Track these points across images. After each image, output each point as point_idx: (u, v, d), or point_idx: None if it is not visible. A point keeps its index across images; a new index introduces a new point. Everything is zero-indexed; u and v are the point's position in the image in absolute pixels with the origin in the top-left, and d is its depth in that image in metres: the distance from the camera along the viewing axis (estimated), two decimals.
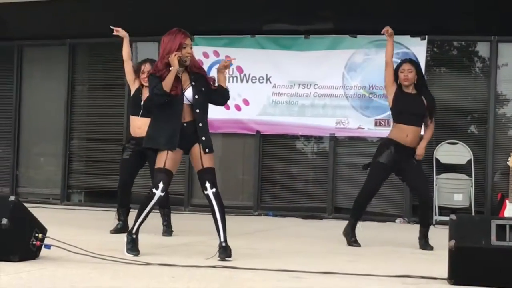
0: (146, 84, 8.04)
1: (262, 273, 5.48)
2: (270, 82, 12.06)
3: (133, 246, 6.34)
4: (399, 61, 11.45)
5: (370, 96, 11.65)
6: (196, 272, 5.40)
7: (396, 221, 11.37)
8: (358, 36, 11.78)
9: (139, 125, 8.30)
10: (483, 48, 11.72)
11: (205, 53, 12.32)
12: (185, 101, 6.39)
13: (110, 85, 13.05)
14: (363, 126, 11.64)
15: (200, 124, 6.41)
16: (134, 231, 6.39)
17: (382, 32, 8.04)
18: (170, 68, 6.30)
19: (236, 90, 12.16)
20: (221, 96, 6.64)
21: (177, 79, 6.36)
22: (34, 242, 5.67)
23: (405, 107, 7.81)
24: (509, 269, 4.92)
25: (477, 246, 4.99)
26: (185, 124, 6.37)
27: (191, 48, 6.47)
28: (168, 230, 8.35)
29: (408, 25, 11.50)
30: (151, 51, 13.00)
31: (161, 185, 6.33)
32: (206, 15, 12.35)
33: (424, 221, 7.88)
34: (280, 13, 12.13)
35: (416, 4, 11.37)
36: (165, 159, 6.34)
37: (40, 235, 5.71)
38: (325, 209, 11.89)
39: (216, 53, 12.29)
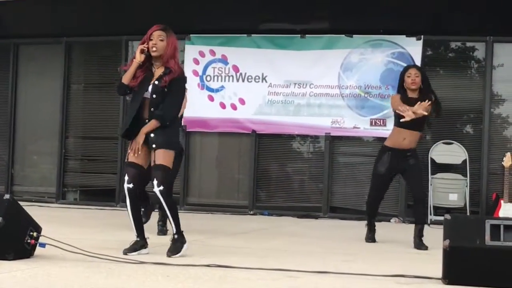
0: None
1: (257, 272, 5.48)
2: (266, 82, 12.06)
3: (130, 246, 6.33)
4: (394, 61, 11.59)
5: (366, 95, 11.66)
6: (191, 271, 5.40)
7: (391, 220, 11.37)
8: (354, 36, 11.79)
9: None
10: (478, 48, 11.74)
11: (201, 52, 12.32)
12: (147, 96, 6.29)
13: (106, 83, 13.03)
14: (358, 125, 11.65)
15: (147, 121, 6.27)
16: (135, 233, 6.41)
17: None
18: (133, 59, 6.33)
19: (232, 89, 12.18)
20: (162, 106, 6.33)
21: (146, 72, 6.31)
22: (29, 241, 5.67)
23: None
24: (503, 269, 4.93)
25: (471, 246, 5.00)
26: (146, 121, 6.27)
27: (161, 40, 6.36)
28: (162, 230, 8.36)
29: (404, 25, 11.53)
30: None
31: (126, 177, 6.33)
32: (202, 14, 12.35)
33: (417, 219, 7.98)
34: (276, 12, 12.13)
35: (412, 4, 11.38)
36: (133, 153, 6.31)
37: (35, 234, 5.71)
38: (321, 209, 11.89)
39: (212, 52, 12.29)
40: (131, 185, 6.31)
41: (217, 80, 12.25)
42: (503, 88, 11.58)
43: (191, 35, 12.36)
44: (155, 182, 6.21)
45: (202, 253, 6.51)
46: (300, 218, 11.52)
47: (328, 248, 7.61)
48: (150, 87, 6.26)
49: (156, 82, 6.28)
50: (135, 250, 6.28)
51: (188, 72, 12.28)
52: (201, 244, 7.42)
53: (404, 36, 11.56)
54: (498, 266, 4.94)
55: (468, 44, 11.88)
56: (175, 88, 6.31)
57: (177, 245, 6.29)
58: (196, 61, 12.35)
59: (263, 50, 12.16)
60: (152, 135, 6.23)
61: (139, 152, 6.24)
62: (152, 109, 6.25)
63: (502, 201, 10.45)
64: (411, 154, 8.06)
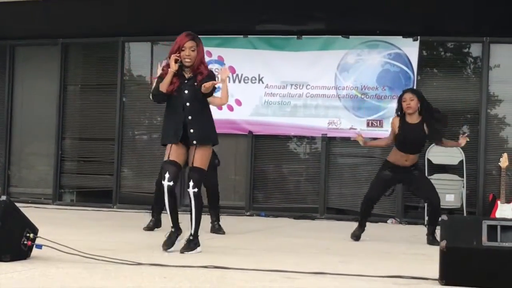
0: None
1: (254, 273, 5.48)
2: (263, 83, 12.07)
3: (166, 240, 6.69)
4: (391, 62, 11.61)
5: (362, 96, 11.67)
6: (187, 272, 5.40)
7: (388, 221, 11.39)
8: (350, 36, 11.80)
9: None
10: (475, 49, 11.76)
11: None
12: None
13: (103, 85, 13.05)
14: (355, 126, 11.65)
15: (190, 117, 6.65)
16: (171, 225, 6.75)
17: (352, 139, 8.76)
18: (170, 68, 6.61)
19: (228, 90, 12.15)
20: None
21: (179, 78, 6.66)
22: (25, 242, 5.66)
23: (406, 138, 8.28)
24: (500, 270, 4.93)
25: (468, 247, 4.99)
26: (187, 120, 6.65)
27: (192, 50, 6.67)
28: (220, 229, 8.72)
29: (401, 26, 11.55)
30: (144, 51, 13.04)
31: (166, 175, 6.59)
32: (198, 15, 12.34)
33: (431, 220, 8.43)
34: (272, 13, 12.13)
35: (408, 5, 11.38)
36: (169, 152, 6.64)
37: (31, 235, 5.70)
38: (317, 210, 11.90)
39: (209, 53, 12.26)
40: (171, 183, 6.60)
41: None
42: (500, 89, 11.59)
43: None
44: (191, 183, 6.65)
45: (199, 254, 6.52)
46: (296, 219, 11.52)
47: (325, 249, 7.61)
48: (186, 92, 6.65)
49: (187, 81, 6.68)
50: (173, 244, 6.67)
51: None
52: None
53: (401, 37, 11.58)
54: (495, 267, 4.94)
55: (465, 45, 11.90)
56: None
57: (191, 245, 6.64)
58: None
59: (260, 51, 12.16)
60: (191, 130, 6.62)
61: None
62: (187, 103, 6.64)
63: (498, 202, 10.45)
64: (415, 168, 8.47)
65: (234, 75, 12.19)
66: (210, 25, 12.24)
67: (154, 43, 12.97)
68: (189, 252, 6.55)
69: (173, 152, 6.65)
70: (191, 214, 6.73)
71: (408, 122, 8.31)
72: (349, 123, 11.69)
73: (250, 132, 12.13)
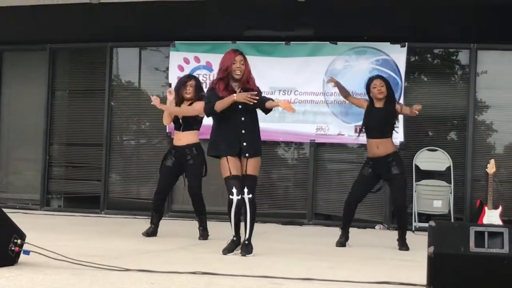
0: (188, 97, 8.82)
1: (242, 279, 5.48)
2: None
3: (228, 246, 7.17)
4: (379, 68, 11.64)
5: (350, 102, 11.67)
6: (175, 278, 5.39)
7: (375, 227, 11.41)
8: (338, 42, 11.83)
9: (180, 138, 8.90)
10: (462, 56, 11.80)
11: (186, 58, 12.33)
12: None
13: (91, 90, 13.03)
14: (343, 132, 11.67)
15: (243, 131, 7.11)
16: (234, 234, 7.20)
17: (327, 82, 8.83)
18: (234, 95, 7.03)
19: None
20: (261, 107, 7.25)
21: (229, 92, 7.09)
22: (13, 248, 5.64)
23: (372, 123, 8.54)
24: (488, 276, 4.95)
25: (456, 253, 5.01)
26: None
27: (242, 64, 7.19)
28: (204, 234, 8.86)
29: (388, 32, 11.58)
30: (132, 56, 13.03)
31: (234, 190, 7.05)
32: (186, 21, 12.36)
33: (399, 224, 8.61)
34: (260, 19, 12.15)
35: (396, 11, 11.43)
36: (228, 167, 7.09)
37: (19, 241, 5.68)
38: (305, 215, 11.91)
39: (197, 59, 12.30)
40: (240, 197, 7.07)
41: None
42: (487, 95, 11.64)
43: (175, 41, 12.36)
44: (246, 190, 7.07)
45: (187, 260, 6.51)
46: (284, 225, 11.53)
47: (313, 254, 7.62)
48: (240, 107, 7.05)
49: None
50: (232, 250, 7.15)
51: (172, 79, 12.30)
52: (186, 251, 7.42)
53: (389, 43, 11.61)
54: (483, 273, 4.96)
55: (452, 51, 11.96)
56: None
57: (249, 248, 7.11)
58: (181, 68, 12.35)
59: (248, 57, 12.01)
60: (244, 144, 7.10)
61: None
62: (242, 118, 7.10)
63: (486, 208, 10.49)
64: (393, 159, 8.44)
65: None
66: (198, 31, 12.27)
67: (143, 48, 12.97)
68: (249, 255, 6.99)
69: (233, 166, 7.08)
70: (245, 219, 7.13)
71: (375, 106, 8.57)
72: (337, 129, 11.72)
73: None
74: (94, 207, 12.65)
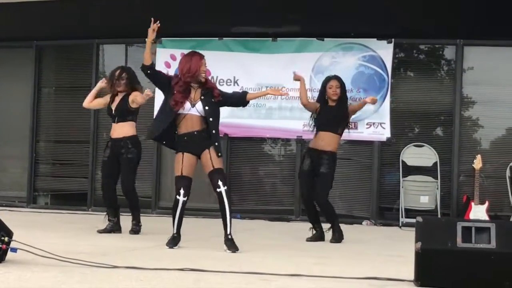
0: (119, 89, 8.83)
1: (230, 275, 5.49)
2: (238, 85, 12.07)
3: (172, 240, 7.35)
4: (365, 64, 11.66)
5: None
6: (164, 275, 5.39)
7: (363, 223, 11.43)
8: (325, 39, 11.83)
9: (115, 129, 8.91)
10: (448, 52, 11.84)
11: (173, 55, 12.30)
12: (196, 113, 7.29)
13: (77, 87, 12.97)
14: None
15: (214, 131, 7.30)
16: (174, 231, 7.40)
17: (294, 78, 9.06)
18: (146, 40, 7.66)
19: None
20: (238, 101, 7.70)
21: (187, 93, 7.31)
22: (0, 246, 5.62)
23: (322, 119, 8.72)
24: (475, 271, 4.97)
25: (443, 248, 5.03)
26: (195, 133, 7.30)
27: (205, 66, 7.46)
28: (135, 229, 8.82)
29: (375, 28, 11.60)
30: (119, 53, 13.00)
31: (181, 191, 7.30)
32: (173, 18, 12.32)
33: (326, 218, 8.76)
34: (247, 15, 12.15)
35: (383, 7, 11.45)
36: (181, 166, 7.30)
37: (6, 239, 5.65)
38: (293, 211, 11.92)
39: None
40: (186, 198, 7.37)
41: None
42: (473, 91, 11.68)
43: (162, 38, 12.33)
44: (220, 182, 7.29)
45: (176, 257, 6.51)
46: (272, 221, 11.54)
47: (301, 250, 7.63)
48: (199, 104, 7.30)
49: (203, 97, 7.33)
50: (176, 244, 7.35)
51: None
52: (173, 248, 7.40)
53: (375, 39, 11.63)
54: (470, 268, 4.98)
55: (438, 47, 11.99)
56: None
57: (234, 243, 7.18)
58: (168, 65, 12.33)
59: (235, 53, 12.17)
60: (216, 144, 7.32)
61: None
62: (210, 119, 7.28)
63: (472, 203, 10.53)
64: (328, 159, 8.62)
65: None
66: (184, 27, 12.25)
67: (129, 45, 12.94)
68: (237, 251, 7.10)
69: (185, 167, 7.35)
70: (224, 214, 7.36)
71: (327, 105, 8.76)
72: None
73: (226, 134, 12.11)
74: (81, 204, 12.63)
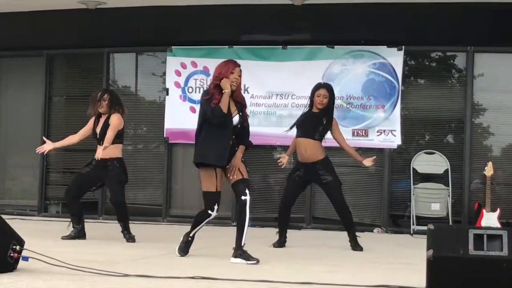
0: (101, 111, 8.95)
1: (241, 283, 5.48)
2: (248, 93, 12.05)
3: (185, 246, 7.32)
4: (376, 71, 11.64)
5: (348, 106, 11.69)
6: (174, 283, 5.39)
7: (374, 231, 11.39)
8: (335, 46, 11.82)
9: (100, 151, 8.89)
10: (459, 59, 11.81)
11: (183, 63, 12.32)
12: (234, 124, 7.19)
13: (88, 96, 12.84)
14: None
15: (236, 148, 7.24)
16: (191, 234, 7.39)
17: None
18: (223, 91, 7.06)
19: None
20: (243, 136, 7.43)
21: (219, 90, 7.10)
22: (11, 254, 5.63)
23: (305, 122, 8.89)
24: (487, 278, 4.95)
25: (454, 256, 5.01)
26: (230, 143, 7.18)
27: (239, 76, 7.23)
28: (130, 237, 8.85)
29: (385, 35, 11.59)
30: (129, 62, 13.03)
31: (215, 207, 7.26)
32: (184, 26, 12.37)
33: (346, 226, 8.80)
34: (257, 24, 12.16)
35: (393, 15, 11.44)
36: (215, 182, 7.16)
37: (17, 247, 5.67)
38: (304, 219, 11.90)
39: (194, 64, 12.30)
40: (217, 214, 7.32)
41: (199, 92, 12.22)
42: (484, 97, 11.64)
43: (172, 46, 12.36)
44: (245, 192, 7.22)
45: (186, 265, 6.51)
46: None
47: (311, 259, 7.62)
48: (237, 118, 7.20)
49: (240, 114, 7.25)
50: (187, 251, 7.38)
51: (170, 84, 12.31)
52: (184, 256, 7.40)
53: (385, 46, 11.60)
54: (481, 275, 4.96)
55: (449, 54, 11.97)
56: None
57: (247, 253, 7.03)
58: (178, 73, 12.35)
59: (245, 61, 12.09)
60: (243, 159, 7.31)
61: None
62: (233, 136, 7.19)
63: (484, 211, 10.50)
64: (322, 167, 8.76)
65: None
66: (195, 36, 12.27)
67: (139, 53, 12.97)
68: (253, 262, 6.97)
69: (219, 182, 7.22)
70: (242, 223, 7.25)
71: (312, 111, 8.89)
72: None
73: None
74: (92, 213, 12.61)
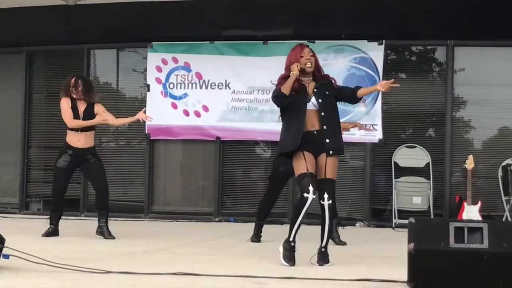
0: (75, 96, 8.78)
1: (224, 279, 5.48)
2: (230, 88, 12.07)
3: (291, 254, 6.54)
4: (357, 66, 11.65)
5: None
6: (157, 279, 5.38)
7: (356, 225, 11.42)
8: (316, 41, 11.81)
9: (79, 139, 8.84)
10: (439, 52, 11.85)
11: (164, 59, 12.30)
12: (313, 107, 6.60)
13: None
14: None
15: (325, 127, 6.57)
16: (291, 238, 6.62)
17: None
18: (290, 74, 6.69)
19: (195, 96, 12.18)
20: (349, 96, 6.81)
21: (301, 86, 6.70)
22: None
23: None
24: (468, 271, 4.97)
25: (436, 249, 5.03)
26: (315, 132, 6.56)
27: (311, 55, 6.77)
28: (110, 234, 8.70)
29: (366, 29, 11.62)
30: (110, 58, 12.99)
31: (311, 188, 6.41)
32: (164, 22, 12.34)
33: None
34: (238, 19, 12.15)
35: (373, 9, 11.46)
36: (305, 163, 6.46)
37: None
38: (286, 214, 11.89)
39: (175, 60, 12.28)
40: (315, 196, 6.48)
41: (180, 88, 12.24)
42: (464, 91, 11.70)
43: (153, 42, 12.33)
44: (326, 195, 6.52)
45: (169, 261, 6.49)
46: (265, 224, 11.50)
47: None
48: (313, 98, 6.61)
49: (316, 90, 6.66)
50: (293, 259, 6.56)
51: (151, 80, 12.28)
52: (167, 252, 7.40)
53: (366, 41, 11.63)
54: (462, 268, 4.98)
55: (429, 48, 12.01)
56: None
57: (327, 257, 6.58)
58: (159, 69, 12.33)
59: (226, 57, 12.16)
60: (327, 140, 6.54)
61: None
62: (322, 113, 6.56)
63: (465, 204, 10.54)
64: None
65: (201, 81, 12.19)
66: (176, 32, 12.26)
67: (120, 50, 12.93)
68: (327, 265, 6.50)
69: (309, 164, 6.48)
70: (323, 226, 6.66)
71: None
72: None
73: (218, 137, 12.12)
74: (74, 210, 12.58)
